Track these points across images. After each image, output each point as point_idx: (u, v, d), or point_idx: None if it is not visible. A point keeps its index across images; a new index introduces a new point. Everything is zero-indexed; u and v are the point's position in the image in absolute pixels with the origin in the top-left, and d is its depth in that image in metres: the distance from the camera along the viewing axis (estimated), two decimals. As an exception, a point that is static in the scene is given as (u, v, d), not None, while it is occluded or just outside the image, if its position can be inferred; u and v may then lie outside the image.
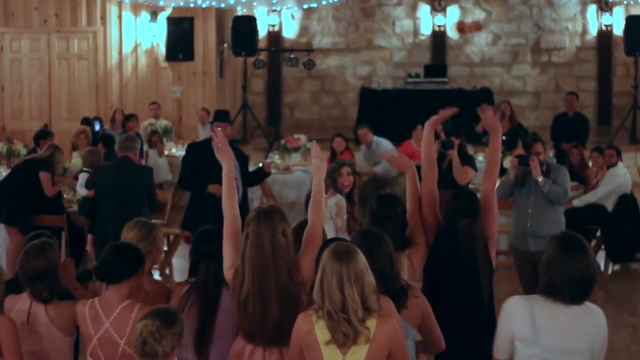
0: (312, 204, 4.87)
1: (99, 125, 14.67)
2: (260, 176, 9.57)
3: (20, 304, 4.96)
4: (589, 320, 4.27)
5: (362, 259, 4.15)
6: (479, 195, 5.64)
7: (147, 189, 8.60)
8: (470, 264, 5.38)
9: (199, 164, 8.56)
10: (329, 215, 7.85)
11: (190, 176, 8.74)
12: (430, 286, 5.39)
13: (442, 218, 5.53)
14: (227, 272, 4.74)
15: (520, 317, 4.27)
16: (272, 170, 13.58)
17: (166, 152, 14.72)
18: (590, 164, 12.02)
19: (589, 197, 11.15)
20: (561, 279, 4.21)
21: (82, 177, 9.98)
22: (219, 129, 4.85)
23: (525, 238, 8.17)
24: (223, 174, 4.96)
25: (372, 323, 4.11)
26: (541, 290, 4.29)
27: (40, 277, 4.86)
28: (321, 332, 4.13)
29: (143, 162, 12.48)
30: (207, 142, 8.72)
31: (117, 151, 8.74)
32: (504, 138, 12.23)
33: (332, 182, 7.43)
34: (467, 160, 9.37)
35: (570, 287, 4.20)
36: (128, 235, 5.30)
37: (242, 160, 9.37)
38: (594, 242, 11.45)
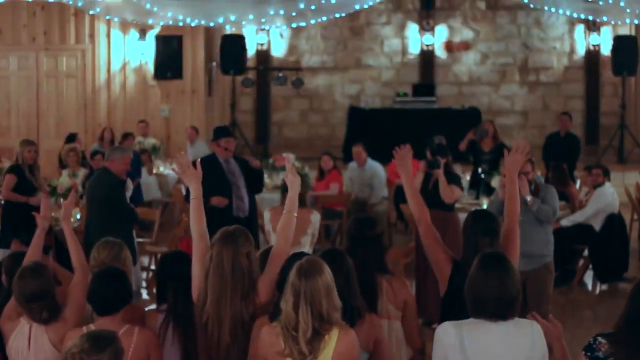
0: (282, 224, 4.79)
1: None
2: (255, 177, 9.45)
3: (18, 329, 4.87)
4: (521, 337, 4.23)
5: (324, 277, 4.14)
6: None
7: (107, 201, 8.53)
8: None
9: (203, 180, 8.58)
10: (312, 232, 7.88)
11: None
12: (450, 307, 5.21)
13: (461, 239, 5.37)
14: (195, 293, 4.67)
15: (450, 345, 4.23)
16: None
17: (154, 171, 14.68)
18: (579, 183, 12.04)
19: (577, 217, 11.15)
20: (481, 296, 4.22)
21: None
22: (183, 153, 4.80)
23: (513, 257, 8.14)
24: (191, 197, 4.88)
25: (334, 333, 4.13)
26: (469, 310, 4.29)
27: (37, 297, 4.79)
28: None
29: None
30: (209, 158, 8.76)
31: None
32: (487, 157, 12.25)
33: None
34: (454, 180, 9.40)
35: (491, 304, 4.19)
36: (100, 256, 5.20)
37: (244, 167, 9.33)
38: (581, 262, 11.45)
